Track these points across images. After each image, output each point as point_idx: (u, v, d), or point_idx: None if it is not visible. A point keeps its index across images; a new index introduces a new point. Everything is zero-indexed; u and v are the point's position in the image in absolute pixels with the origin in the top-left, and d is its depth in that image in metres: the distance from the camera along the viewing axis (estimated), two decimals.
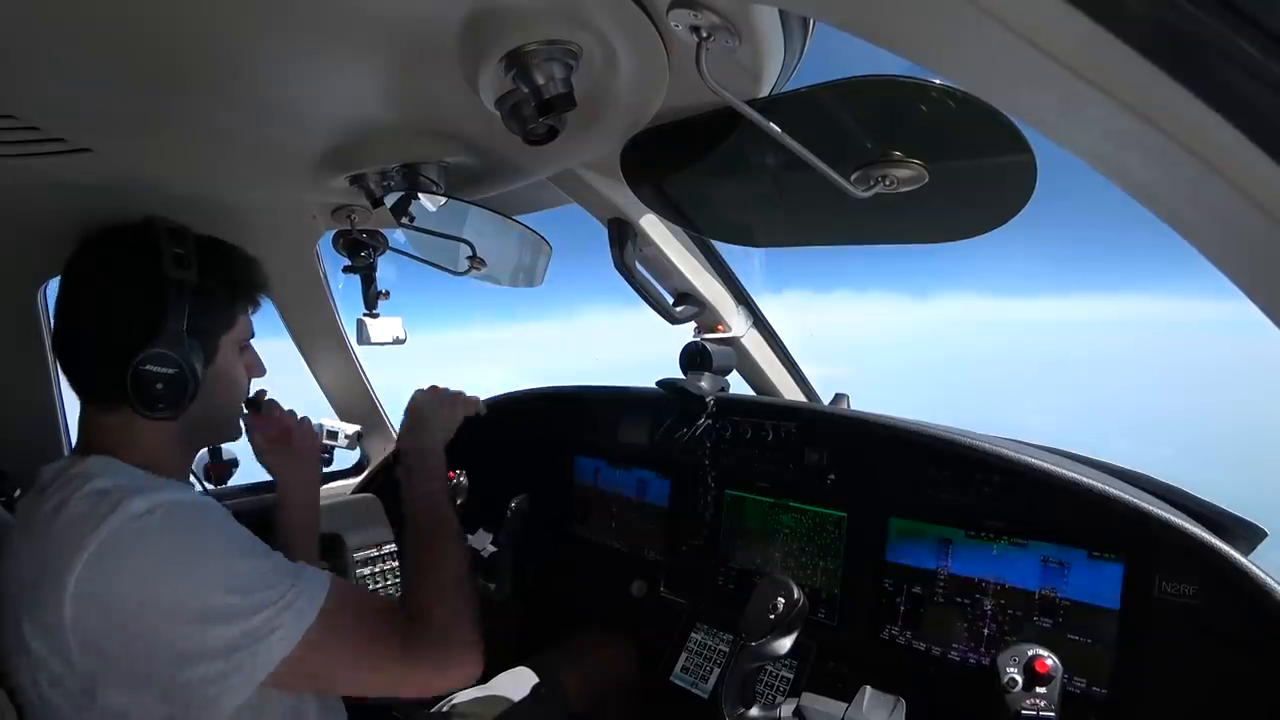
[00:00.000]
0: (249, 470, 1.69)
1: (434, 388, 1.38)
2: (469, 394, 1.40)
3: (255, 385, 1.22)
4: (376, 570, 2.07)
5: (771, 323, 1.80)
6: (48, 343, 1.52)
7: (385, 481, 2.11)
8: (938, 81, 0.77)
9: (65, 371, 1.02)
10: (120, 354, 0.92)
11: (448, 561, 1.09)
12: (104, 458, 0.92)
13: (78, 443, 1.02)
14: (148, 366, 0.92)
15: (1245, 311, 0.50)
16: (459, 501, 1.80)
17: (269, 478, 1.40)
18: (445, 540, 1.12)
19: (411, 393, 1.37)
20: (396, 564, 2.10)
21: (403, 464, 1.24)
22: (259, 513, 1.28)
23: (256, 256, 1.14)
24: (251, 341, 1.13)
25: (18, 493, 1.50)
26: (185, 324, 0.96)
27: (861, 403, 1.66)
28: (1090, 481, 1.14)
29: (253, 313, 1.12)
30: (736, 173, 1.14)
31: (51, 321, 1.53)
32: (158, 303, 0.95)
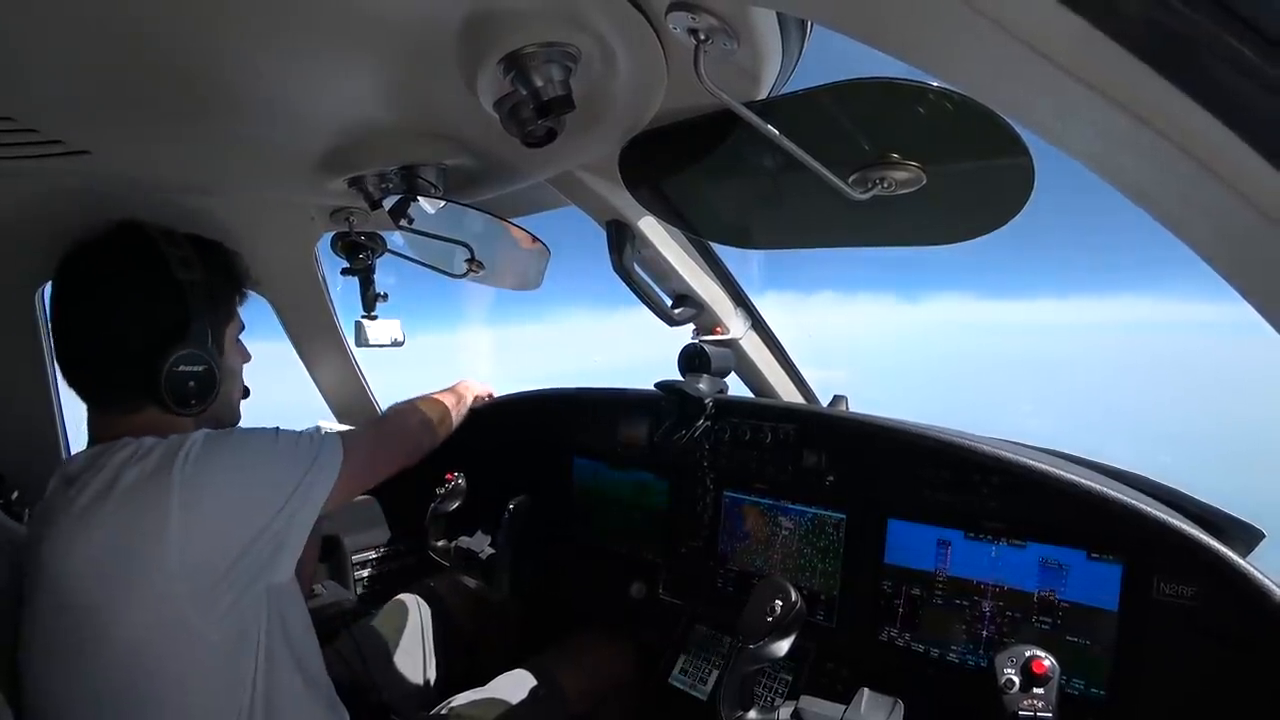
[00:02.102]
0: None
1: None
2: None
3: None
4: (374, 572, 2.07)
5: (770, 325, 1.80)
6: (45, 345, 1.52)
7: (383, 482, 2.11)
8: (935, 84, 0.78)
9: (75, 380, 1.04)
10: (146, 358, 0.97)
11: (436, 409, 1.45)
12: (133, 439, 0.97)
13: (92, 440, 1.02)
14: (181, 367, 0.99)
15: (1244, 313, 0.50)
16: (457, 504, 1.80)
17: None
18: (436, 404, 1.47)
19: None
20: (393, 566, 2.10)
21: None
22: None
23: (255, 257, 1.16)
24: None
25: (15, 494, 1.50)
26: (204, 322, 1.03)
27: (856, 407, 1.67)
28: (1089, 483, 1.14)
29: (243, 298, 1.19)
30: (735, 175, 1.14)
31: (49, 325, 1.54)
32: (179, 304, 1.01)
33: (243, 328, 1.18)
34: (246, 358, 1.22)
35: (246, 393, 1.27)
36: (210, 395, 1.04)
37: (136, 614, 0.88)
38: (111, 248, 1.02)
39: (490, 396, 1.72)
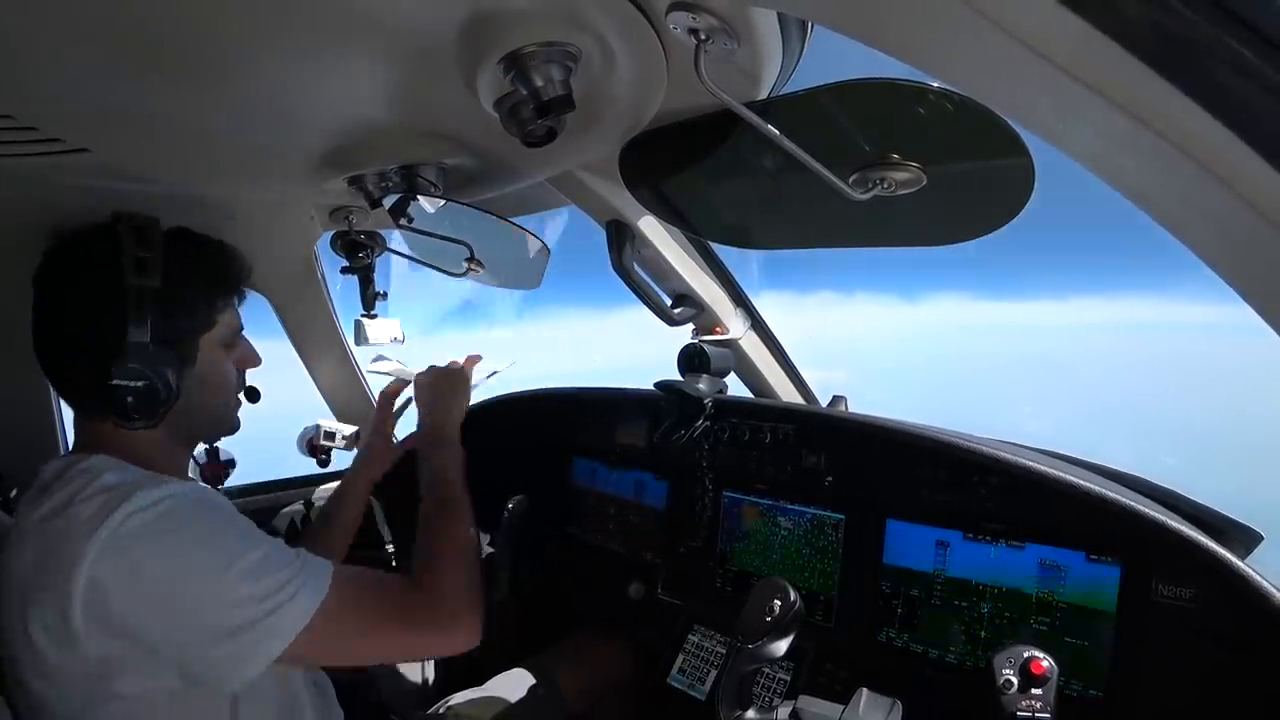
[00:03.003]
0: (246, 471, 1.70)
1: (432, 368, 1.45)
2: (464, 361, 1.49)
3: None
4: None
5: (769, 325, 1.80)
6: None
7: (384, 481, 2.11)
8: (935, 84, 0.77)
9: (51, 383, 1.04)
10: (93, 367, 0.92)
11: (456, 535, 1.16)
12: (106, 456, 0.93)
13: (75, 443, 1.02)
14: (117, 381, 0.91)
15: (1247, 316, 0.50)
16: None
17: (267, 478, 1.42)
18: (453, 515, 1.20)
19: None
20: (396, 564, 2.10)
21: (419, 443, 1.36)
22: (255, 513, 1.27)
23: (255, 256, 1.14)
24: (243, 333, 1.12)
25: (14, 492, 1.49)
26: (151, 333, 0.94)
27: (855, 408, 1.67)
28: (1088, 484, 1.14)
29: (239, 304, 1.11)
30: (735, 175, 1.14)
31: None
32: (119, 315, 0.93)
33: (235, 331, 1.10)
34: (247, 363, 1.14)
35: (254, 396, 1.20)
36: (155, 410, 0.94)
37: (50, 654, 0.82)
38: (75, 246, 0.99)
39: (469, 364, 1.50)
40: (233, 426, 1.16)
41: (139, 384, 0.93)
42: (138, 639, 0.83)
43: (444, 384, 1.42)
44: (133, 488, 0.85)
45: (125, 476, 0.88)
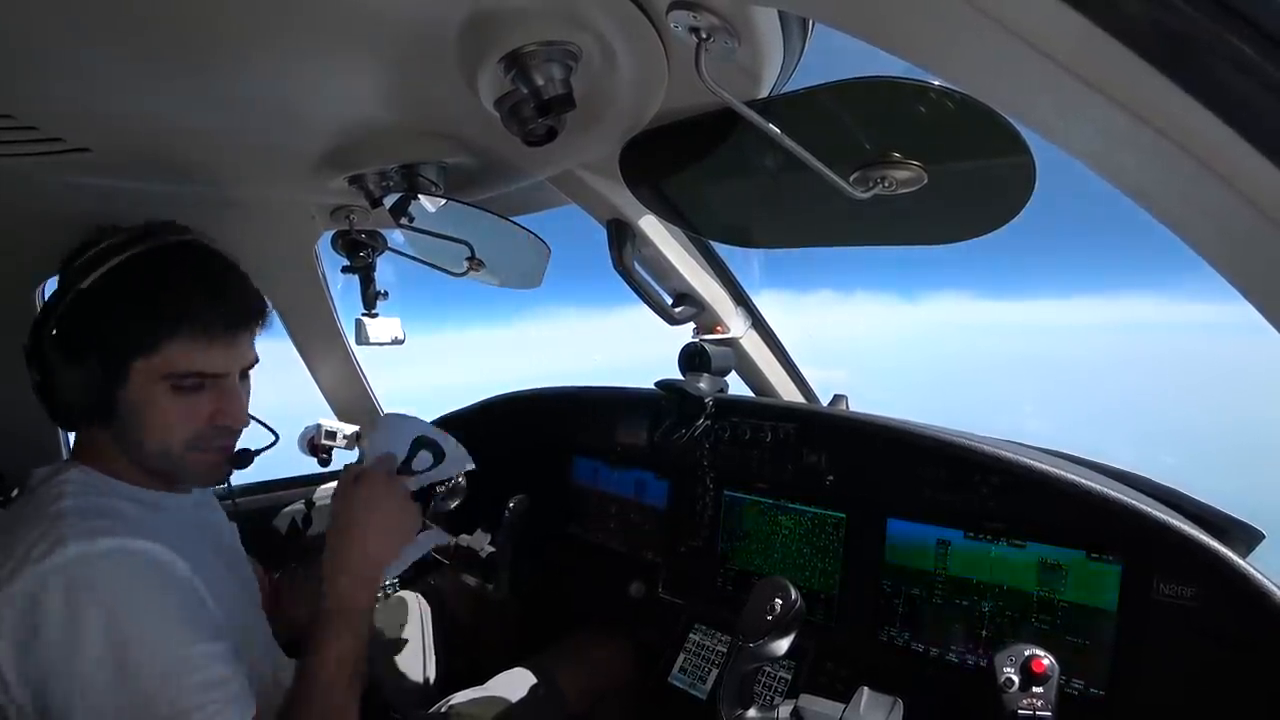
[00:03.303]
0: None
1: (366, 474, 1.07)
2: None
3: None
4: None
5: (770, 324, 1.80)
6: None
7: None
8: (936, 83, 0.77)
9: None
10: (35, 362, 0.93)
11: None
12: (82, 470, 0.93)
13: (72, 448, 1.02)
14: (31, 371, 0.92)
15: (1248, 314, 0.50)
16: (457, 502, 1.80)
17: (270, 476, 1.40)
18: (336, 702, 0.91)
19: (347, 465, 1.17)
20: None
21: (321, 582, 0.98)
22: (255, 513, 1.27)
23: (255, 255, 1.11)
24: (222, 377, 0.95)
25: (15, 493, 1.50)
26: (72, 335, 0.89)
27: (855, 408, 1.66)
28: (1089, 483, 1.14)
29: (200, 344, 0.91)
30: (735, 174, 1.14)
31: None
32: (51, 304, 0.91)
33: (191, 374, 0.92)
34: (221, 417, 0.96)
35: (239, 460, 1.03)
36: (60, 414, 0.93)
37: None
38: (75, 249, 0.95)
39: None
40: (191, 476, 1.00)
41: (39, 378, 0.91)
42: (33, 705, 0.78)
43: (381, 512, 1.04)
44: (63, 535, 0.80)
45: (77, 503, 0.85)
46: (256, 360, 1.03)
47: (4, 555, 0.80)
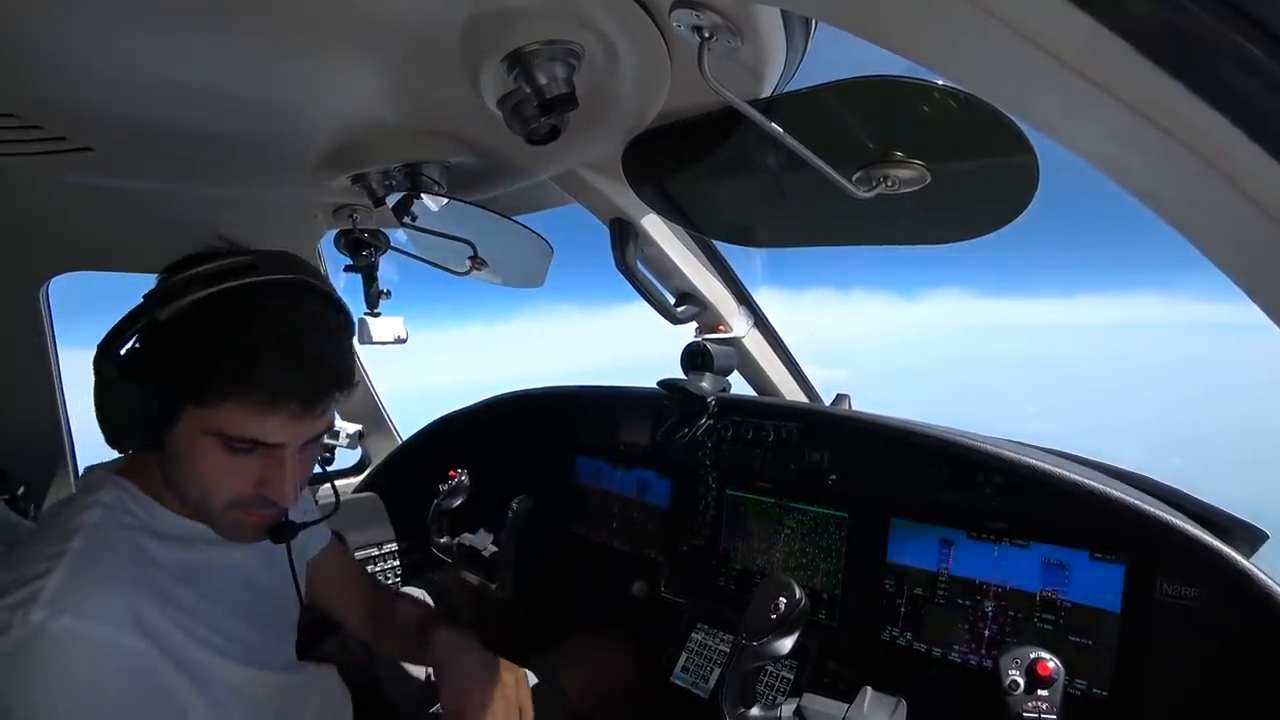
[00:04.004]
0: None
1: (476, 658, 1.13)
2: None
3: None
4: (377, 570, 2.07)
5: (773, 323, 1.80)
6: (50, 341, 1.52)
7: (386, 481, 2.12)
8: (940, 82, 0.77)
9: None
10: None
11: None
12: (122, 490, 0.90)
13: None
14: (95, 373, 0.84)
15: (1255, 314, 0.49)
16: (460, 501, 1.80)
17: None
18: None
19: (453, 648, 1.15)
20: (397, 563, 2.11)
21: None
22: None
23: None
24: (278, 448, 0.85)
25: (20, 490, 1.50)
26: (132, 353, 0.85)
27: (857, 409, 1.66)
28: (1092, 483, 1.13)
29: (262, 410, 0.81)
30: (738, 173, 1.14)
31: (53, 320, 1.54)
32: (126, 323, 0.84)
33: (242, 438, 0.82)
34: (266, 487, 0.87)
35: (276, 534, 0.95)
36: (110, 430, 0.85)
37: None
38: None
39: None
40: (225, 533, 0.92)
41: (97, 391, 0.84)
42: None
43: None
44: (35, 595, 0.75)
45: (89, 543, 0.82)
46: (329, 427, 0.94)
47: (8, 581, 0.77)
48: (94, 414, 0.86)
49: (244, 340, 0.80)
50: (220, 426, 0.81)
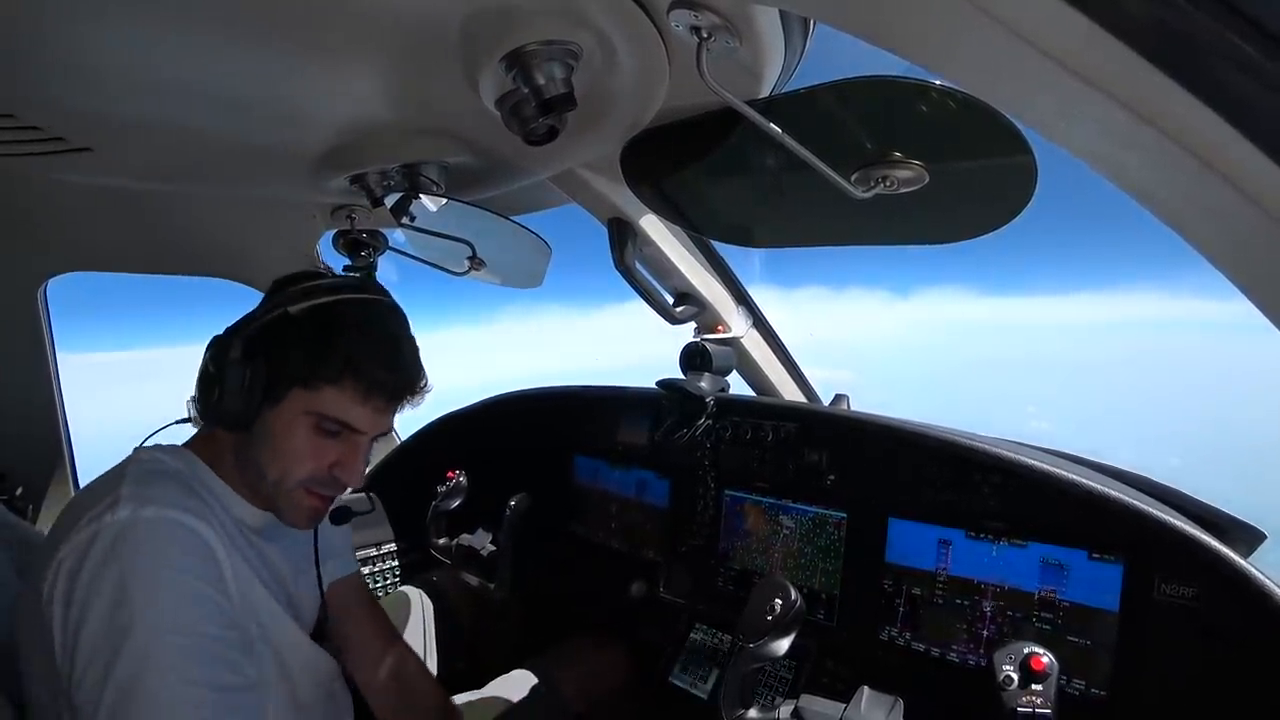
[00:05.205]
0: None
1: None
2: None
3: None
4: (376, 570, 2.08)
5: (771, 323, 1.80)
6: (48, 342, 1.52)
7: (385, 481, 2.11)
8: (937, 82, 0.77)
9: None
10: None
11: None
12: (190, 461, 0.98)
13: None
14: (210, 367, 0.96)
15: (1252, 313, 0.49)
16: (459, 502, 1.80)
17: None
18: None
19: None
20: (395, 563, 2.11)
21: None
22: None
23: (256, 254, 1.11)
24: (359, 434, 0.99)
25: (19, 491, 1.50)
26: (254, 339, 0.95)
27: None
28: (1090, 483, 1.13)
29: (358, 398, 0.96)
30: (737, 173, 1.14)
31: (51, 320, 1.54)
32: (254, 314, 0.99)
33: (336, 420, 0.96)
34: (340, 466, 0.99)
35: (338, 516, 1.12)
36: (209, 408, 0.96)
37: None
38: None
39: None
40: (289, 512, 1.01)
41: (208, 368, 0.96)
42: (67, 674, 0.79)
43: None
44: (123, 494, 0.85)
45: (144, 491, 0.87)
46: (389, 431, 1.08)
47: (81, 511, 0.85)
48: (195, 391, 0.99)
49: (356, 336, 0.96)
50: (320, 407, 0.95)
